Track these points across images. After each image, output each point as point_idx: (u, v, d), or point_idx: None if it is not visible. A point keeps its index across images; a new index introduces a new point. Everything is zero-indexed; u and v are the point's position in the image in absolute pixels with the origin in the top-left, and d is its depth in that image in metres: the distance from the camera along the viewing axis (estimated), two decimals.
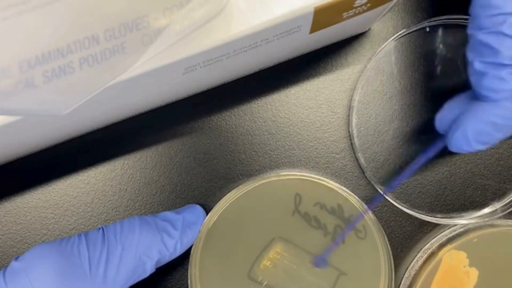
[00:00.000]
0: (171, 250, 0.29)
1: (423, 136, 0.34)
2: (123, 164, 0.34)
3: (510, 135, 0.27)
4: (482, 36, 0.25)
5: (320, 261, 0.32)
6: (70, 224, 0.34)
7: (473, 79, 0.27)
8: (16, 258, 0.27)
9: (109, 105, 0.28)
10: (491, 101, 0.26)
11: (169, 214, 0.30)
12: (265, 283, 0.32)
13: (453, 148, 0.28)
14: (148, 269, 0.29)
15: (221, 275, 0.32)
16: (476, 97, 0.27)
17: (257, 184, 0.33)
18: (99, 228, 0.28)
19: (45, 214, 0.34)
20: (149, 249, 0.28)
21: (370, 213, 0.32)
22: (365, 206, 0.32)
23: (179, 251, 0.30)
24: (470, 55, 0.27)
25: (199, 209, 0.32)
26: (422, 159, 0.30)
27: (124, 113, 0.32)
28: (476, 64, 0.26)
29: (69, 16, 0.20)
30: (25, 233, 0.34)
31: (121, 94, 0.26)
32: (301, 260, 0.32)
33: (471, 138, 0.27)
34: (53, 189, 0.34)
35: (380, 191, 0.34)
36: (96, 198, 0.34)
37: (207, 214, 0.33)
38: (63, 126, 0.30)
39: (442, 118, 0.30)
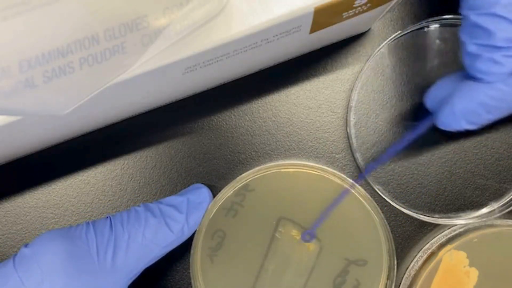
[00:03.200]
0: (178, 235, 0.29)
1: (422, 136, 0.34)
2: (123, 164, 0.34)
3: (499, 116, 0.27)
4: (475, 18, 0.25)
5: (308, 234, 0.32)
6: (70, 224, 0.34)
7: (466, 62, 0.26)
8: (26, 245, 0.27)
9: (109, 105, 0.28)
10: (485, 83, 0.26)
11: (173, 199, 0.31)
12: (269, 271, 0.32)
13: (441, 125, 0.28)
14: (157, 255, 0.29)
15: (223, 270, 0.32)
16: (469, 77, 0.27)
17: (255, 177, 0.33)
18: (107, 217, 0.29)
19: (45, 214, 0.34)
20: (155, 236, 0.29)
21: (378, 208, 0.33)
22: (351, 181, 0.32)
23: (187, 234, 0.30)
24: (463, 37, 0.26)
25: (204, 188, 0.32)
26: (410, 136, 0.30)
27: (124, 113, 0.32)
28: (470, 46, 0.26)
29: (69, 16, 0.20)
30: (25, 233, 0.34)
31: (121, 94, 0.26)
32: (304, 249, 0.32)
33: (460, 116, 0.27)
34: (53, 189, 0.34)
35: (380, 193, 0.34)
36: (96, 198, 0.34)
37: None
38: (63, 126, 0.30)
39: (432, 96, 0.29)
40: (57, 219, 0.34)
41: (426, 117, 0.30)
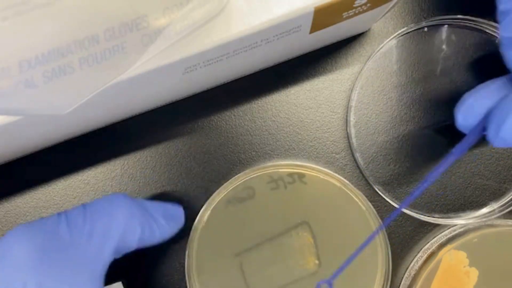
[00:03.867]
0: (153, 229, 0.29)
1: (422, 136, 0.34)
2: (123, 164, 0.34)
3: None
4: None
5: (326, 284, 0.31)
6: None
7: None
8: None
9: (109, 105, 0.28)
10: None
11: (153, 201, 0.30)
12: (263, 253, 0.32)
13: (500, 143, 0.24)
14: (132, 244, 0.28)
15: (217, 266, 0.32)
16: None
17: (315, 174, 0.33)
18: (81, 205, 0.28)
19: (45, 214, 0.34)
20: (132, 224, 0.28)
21: (372, 207, 0.33)
22: (380, 222, 0.32)
23: (160, 236, 0.29)
24: (507, 32, 0.24)
25: (181, 210, 0.31)
26: (442, 166, 0.26)
27: (124, 113, 0.32)
28: None
29: (69, 16, 0.20)
30: None
31: (121, 94, 0.26)
32: (277, 245, 0.32)
33: None
34: (53, 189, 0.34)
35: (380, 193, 0.34)
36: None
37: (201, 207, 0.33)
38: (63, 126, 0.30)
39: (467, 113, 0.25)
40: None
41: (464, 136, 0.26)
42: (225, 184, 0.33)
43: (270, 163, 0.34)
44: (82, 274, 0.27)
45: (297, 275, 0.32)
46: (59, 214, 0.28)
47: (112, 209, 0.28)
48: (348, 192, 0.33)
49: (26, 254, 0.26)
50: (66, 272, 0.26)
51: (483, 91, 0.25)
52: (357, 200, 0.33)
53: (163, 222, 0.29)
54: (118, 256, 0.28)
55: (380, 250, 0.32)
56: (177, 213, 0.31)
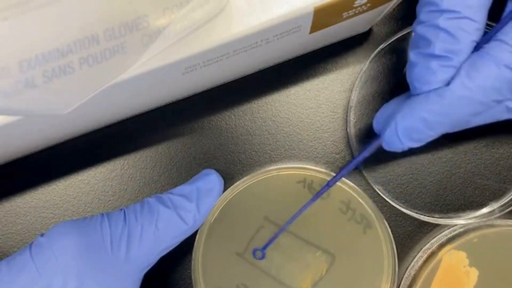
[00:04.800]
0: (190, 224, 0.29)
1: None
2: (123, 164, 0.34)
3: (442, 132, 0.27)
4: (420, 29, 0.26)
5: (259, 252, 0.32)
6: None
7: (407, 72, 0.27)
8: (42, 234, 0.27)
9: (109, 105, 0.28)
10: (421, 94, 0.26)
11: (183, 188, 0.31)
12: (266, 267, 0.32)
13: (386, 146, 0.28)
14: (170, 245, 0.29)
15: (223, 268, 0.32)
16: (410, 94, 0.27)
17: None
18: (121, 209, 0.29)
19: (45, 214, 0.34)
20: (168, 227, 0.29)
21: (374, 206, 0.33)
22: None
23: (199, 222, 0.30)
24: (409, 50, 0.27)
25: (213, 175, 0.32)
26: (358, 158, 0.30)
27: (124, 113, 0.32)
28: (411, 55, 0.26)
29: (69, 16, 0.20)
30: (25, 233, 0.34)
31: (121, 94, 0.26)
32: (299, 247, 0.32)
33: (402, 135, 0.27)
34: (53, 189, 0.34)
35: (380, 193, 0.34)
36: (96, 198, 0.34)
37: None
38: (63, 126, 0.30)
39: (378, 119, 0.29)
40: (57, 219, 0.34)
41: (372, 140, 0.29)
42: (230, 187, 0.33)
43: (273, 167, 0.34)
44: (120, 277, 0.27)
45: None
46: (102, 214, 0.28)
47: (146, 217, 0.28)
48: (384, 249, 0.33)
49: (68, 251, 0.26)
50: (105, 274, 0.27)
51: (392, 103, 0.29)
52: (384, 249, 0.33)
53: (196, 210, 0.30)
54: (160, 256, 0.29)
55: (384, 244, 0.32)
56: (210, 185, 0.31)
